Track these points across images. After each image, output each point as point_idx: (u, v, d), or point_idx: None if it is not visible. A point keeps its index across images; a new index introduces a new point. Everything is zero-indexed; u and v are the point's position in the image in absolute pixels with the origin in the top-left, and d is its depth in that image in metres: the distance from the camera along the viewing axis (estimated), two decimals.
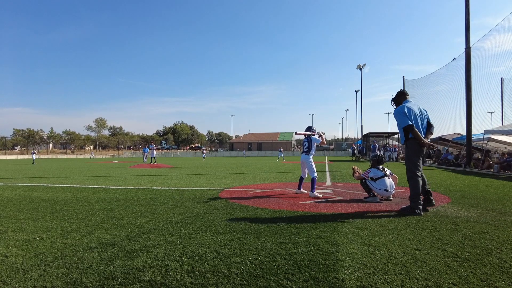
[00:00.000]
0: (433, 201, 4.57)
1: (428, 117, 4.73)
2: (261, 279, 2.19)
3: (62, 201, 5.70)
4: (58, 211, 4.73)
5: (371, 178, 5.61)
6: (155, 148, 20.57)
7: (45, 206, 5.18)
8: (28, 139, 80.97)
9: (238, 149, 70.46)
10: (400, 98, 4.81)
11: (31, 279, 2.22)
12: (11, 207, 5.14)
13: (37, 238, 3.24)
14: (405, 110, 4.49)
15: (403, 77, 28.92)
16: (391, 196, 5.64)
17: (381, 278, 2.18)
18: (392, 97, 4.92)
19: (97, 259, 2.60)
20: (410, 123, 4.42)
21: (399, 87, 29.30)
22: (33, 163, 28.21)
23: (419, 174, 4.44)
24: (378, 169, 5.71)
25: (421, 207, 4.34)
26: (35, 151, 32.68)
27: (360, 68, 42.02)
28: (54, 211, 4.77)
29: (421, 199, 4.37)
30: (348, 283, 2.10)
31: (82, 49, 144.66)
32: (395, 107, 4.83)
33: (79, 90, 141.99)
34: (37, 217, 4.30)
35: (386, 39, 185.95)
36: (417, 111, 4.57)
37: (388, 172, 5.70)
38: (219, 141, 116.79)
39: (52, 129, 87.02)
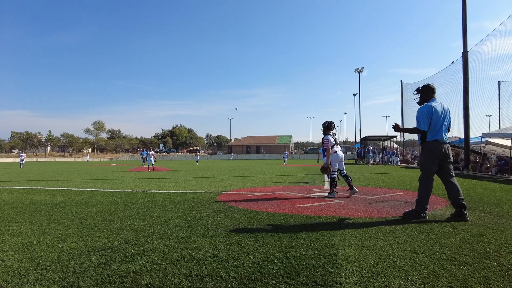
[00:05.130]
0: (467, 215, 4.14)
1: (448, 115, 4.43)
2: (260, 282, 2.18)
3: (59, 204, 5.67)
4: (55, 214, 4.70)
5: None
6: (153, 154, 20.37)
7: (42, 209, 5.15)
8: (26, 142, 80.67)
9: (236, 153, 70.28)
10: (427, 95, 4.45)
11: (27, 283, 2.20)
12: (8, 210, 5.11)
13: (34, 242, 3.22)
14: (429, 110, 4.24)
15: (401, 80, 29.09)
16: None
17: (379, 282, 2.17)
18: (418, 87, 4.55)
19: (95, 262, 2.59)
20: (425, 129, 4.23)
21: (398, 91, 29.35)
22: (22, 166, 26.94)
23: (430, 178, 4.31)
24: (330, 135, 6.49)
25: (426, 211, 4.25)
26: (23, 154, 31.09)
27: (359, 71, 42.17)
28: (51, 214, 4.75)
29: (427, 203, 4.26)
30: (347, 287, 2.10)
31: (81, 51, 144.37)
32: (418, 101, 4.54)
33: (78, 93, 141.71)
34: (34, 221, 4.28)
35: (385, 43, 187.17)
36: (440, 112, 4.29)
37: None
38: (218, 144, 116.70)
39: (50, 131, 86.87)
